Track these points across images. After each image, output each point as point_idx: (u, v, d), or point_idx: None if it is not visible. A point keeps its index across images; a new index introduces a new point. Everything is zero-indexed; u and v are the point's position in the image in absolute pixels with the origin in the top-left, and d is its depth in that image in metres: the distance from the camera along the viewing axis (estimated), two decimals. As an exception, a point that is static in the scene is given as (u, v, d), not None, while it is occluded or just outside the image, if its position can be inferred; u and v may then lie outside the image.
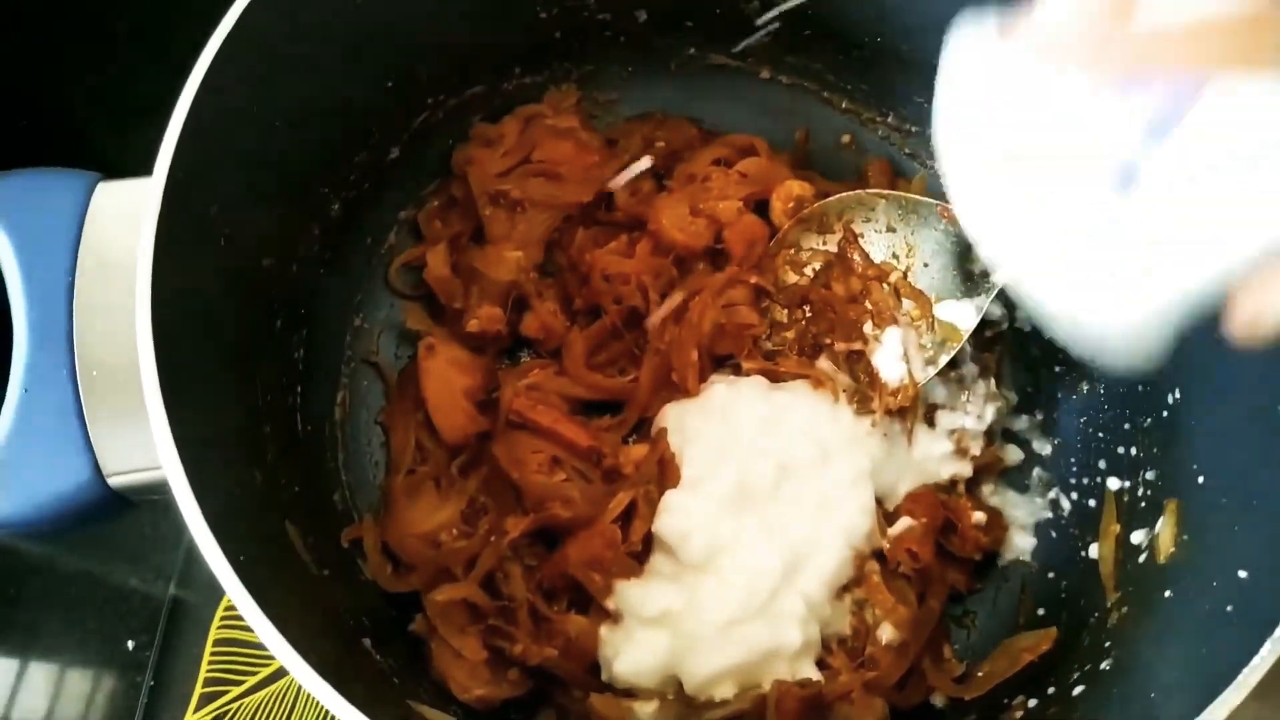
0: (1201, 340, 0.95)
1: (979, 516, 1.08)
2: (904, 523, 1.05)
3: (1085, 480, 1.10)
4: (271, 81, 0.91)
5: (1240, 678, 0.69)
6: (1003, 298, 1.16)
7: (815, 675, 0.99)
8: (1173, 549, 0.91)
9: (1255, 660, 0.69)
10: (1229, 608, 0.77)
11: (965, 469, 1.11)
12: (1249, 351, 0.90)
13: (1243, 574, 0.78)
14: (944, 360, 1.06)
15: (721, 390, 1.09)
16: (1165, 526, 0.93)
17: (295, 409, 1.05)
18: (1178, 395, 0.97)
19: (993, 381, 1.13)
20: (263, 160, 0.92)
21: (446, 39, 1.08)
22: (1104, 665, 0.89)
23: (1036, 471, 1.14)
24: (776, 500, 1.04)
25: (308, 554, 0.93)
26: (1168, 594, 0.87)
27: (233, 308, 0.92)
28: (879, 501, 1.07)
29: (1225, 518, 0.85)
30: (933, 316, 1.07)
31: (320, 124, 1.00)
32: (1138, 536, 0.97)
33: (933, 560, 1.05)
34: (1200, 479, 0.90)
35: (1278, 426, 0.83)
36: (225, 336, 0.91)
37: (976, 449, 1.11)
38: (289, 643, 0.69)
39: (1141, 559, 0.95)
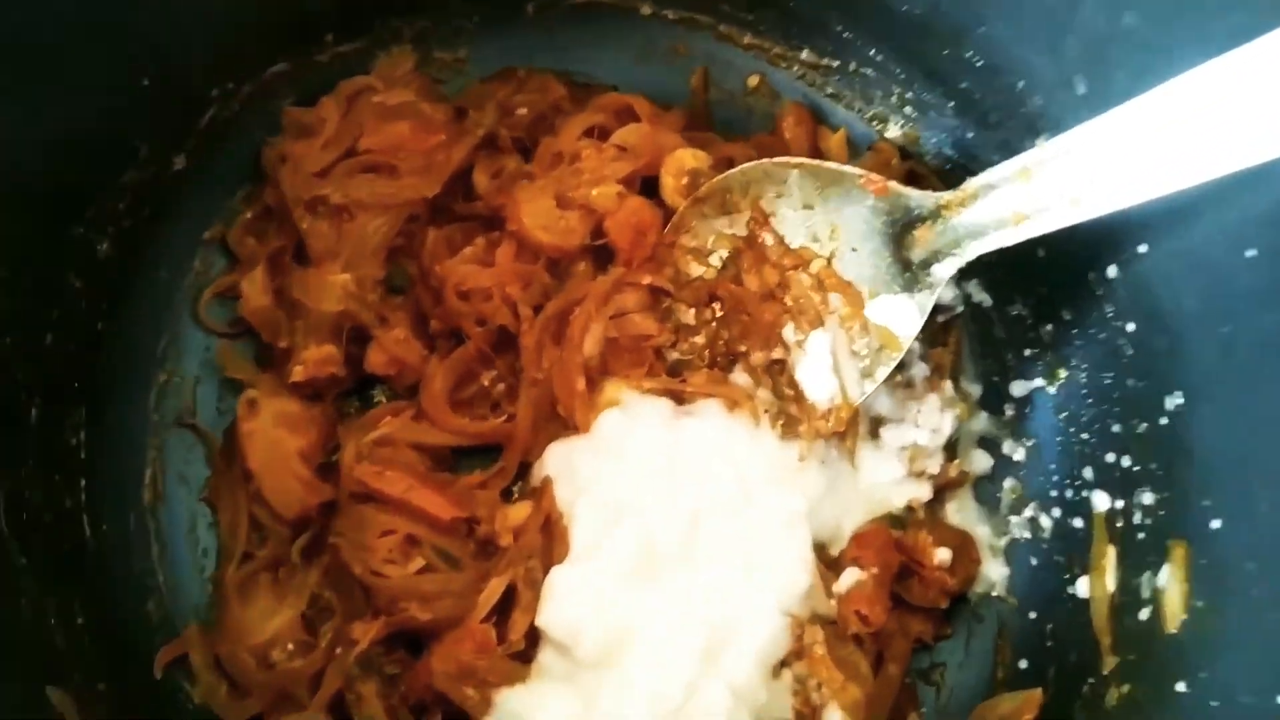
0: (1207, 336, 0.75)
1: (943, 555, 0.88)
2: (851, 575, 0.86)
3: (1068, 493, 0.89)
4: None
5: None
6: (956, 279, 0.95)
7: (750, 783, 0.80)
8: (1184, 615, 0.71)
9: None
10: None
11: (923, 491, 0.91)
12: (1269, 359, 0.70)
13: (1282, 695, 0.58)
14: (883, 374, 0.85)
15: (615, 421, 0.88)
16: (1172, 579, 0.73)
17: (79, 510, 0.84)
18: (1180, 401, 0.77)
19: (949, 385, 0.92)
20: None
21: (211, 11, 0.83)
22: (1104, 769, 0.70)
23: (1008, 482, 0.94)
24: (690, 562, 0.84)
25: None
26: (1180, 688, 0.68)
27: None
28: (819, 549, 0.87)
29: (1250, 587, 0.65)
30: (865, 316, 0.85)
31: (44, 154, 0.76)
32: (1138, 580, 0.78)
33: (885, 620, 0.85)
34: (1215, 523, 0.71)
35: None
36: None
37: (934, 467, 0.91)
38: None
39: (1144, 616, 0.76)
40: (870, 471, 0.90)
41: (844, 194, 0.85)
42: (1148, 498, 0.79)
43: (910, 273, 0.83)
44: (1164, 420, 0.78)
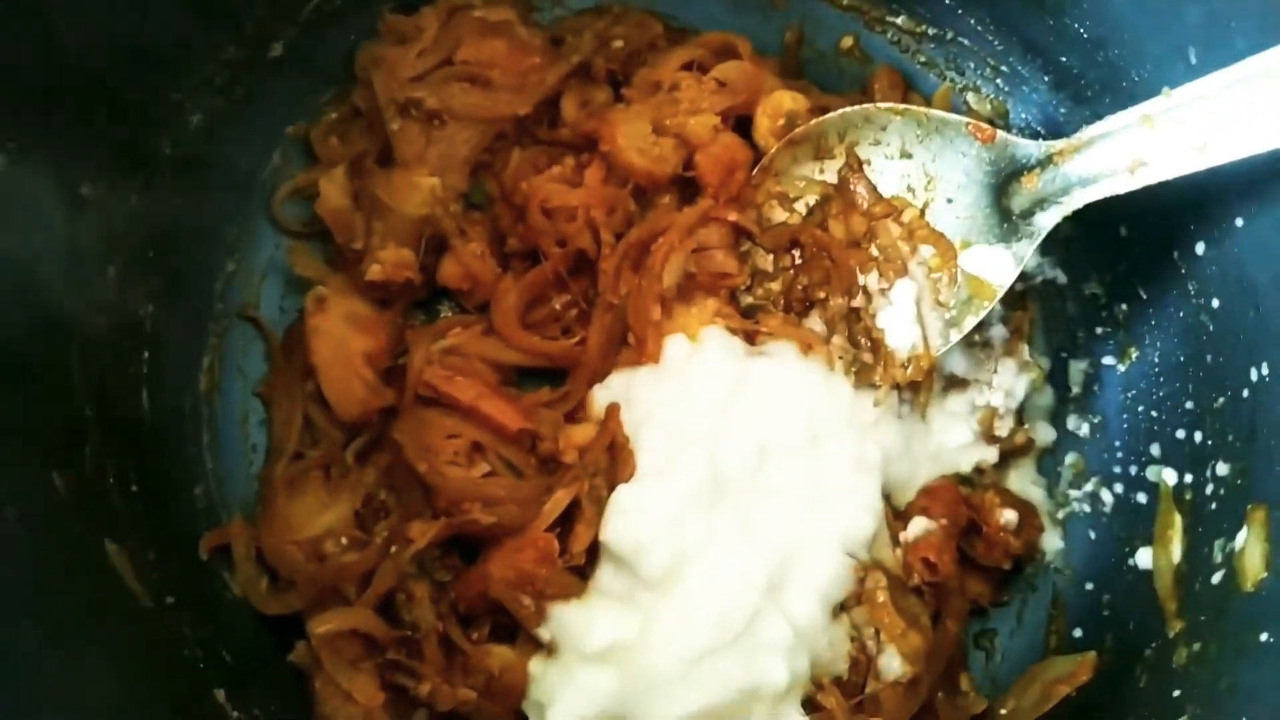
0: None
1: (1009, 516, 0.87)
2: (920, 524, 0.85)
3: (1132, 469, 0.89)
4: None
5: None
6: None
7: (801, 720, 0.79)
8: (1264, 573, 0.71)
9: None
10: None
11: (990, 454, 0.91)
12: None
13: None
14: (970, 324, 0.85)
15: (683, 351, 0.87)
16: (1251, 541, 0.73)
17: (139, 381, 0.82)
18: (1265, 371, 0.76)
19: (1025, 348, 0.92)
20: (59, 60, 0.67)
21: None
22: (1179, 723, 0.69)
23: (1070, 456, 0.94)
24: (756, 494, 0.83)
25: (138, 581, 0.71)
26: (1265, 637, 0.67)
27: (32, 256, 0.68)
28: (886, 498, 0.86)
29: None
30: (957, 267, 0.85)
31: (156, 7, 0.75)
32: (1209, 546, 0.77)
33: (954, 571, 0.84)
34: (1302, 482, 0.70)
35: None
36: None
37: (1004, 430, 0.91)
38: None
39: (1216, 579, 0.75)
40: (941, 431, 0.90)
41: (947, 142, 0.86)
42: (1222, 469, 0.79)
43: (1009, 223, 0.83)
44: (1246, 393, 0.78)
